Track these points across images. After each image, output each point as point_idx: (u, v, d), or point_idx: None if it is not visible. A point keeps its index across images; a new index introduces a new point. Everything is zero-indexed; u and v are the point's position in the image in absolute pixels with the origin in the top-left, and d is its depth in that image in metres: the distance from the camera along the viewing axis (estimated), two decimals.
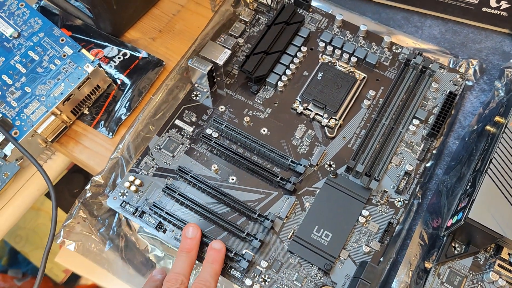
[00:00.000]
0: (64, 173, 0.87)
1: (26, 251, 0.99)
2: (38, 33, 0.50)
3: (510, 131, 0.43)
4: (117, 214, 0.46)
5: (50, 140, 0.49)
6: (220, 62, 0.49)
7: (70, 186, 0.77)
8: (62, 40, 0.50)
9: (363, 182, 0.45)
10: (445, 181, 0.47)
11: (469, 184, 0.44)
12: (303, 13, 0.55)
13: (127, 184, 0.46)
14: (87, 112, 0.51)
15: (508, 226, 0.40)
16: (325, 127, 0.49)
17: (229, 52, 0.49)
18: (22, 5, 0.52)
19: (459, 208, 0.43)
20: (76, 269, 0.70)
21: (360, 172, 0.46)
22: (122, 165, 0.47)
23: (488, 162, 0.42)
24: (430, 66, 0.50)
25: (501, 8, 0.52)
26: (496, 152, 0.43)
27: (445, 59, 0.53)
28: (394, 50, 0.53)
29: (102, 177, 0.46)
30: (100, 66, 0.49)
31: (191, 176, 0.46)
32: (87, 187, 0.46)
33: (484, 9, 0.53)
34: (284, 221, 0.45)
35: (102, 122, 0.51)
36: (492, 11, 0.53)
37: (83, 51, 0.49)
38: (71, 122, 0.50)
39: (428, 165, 0.47)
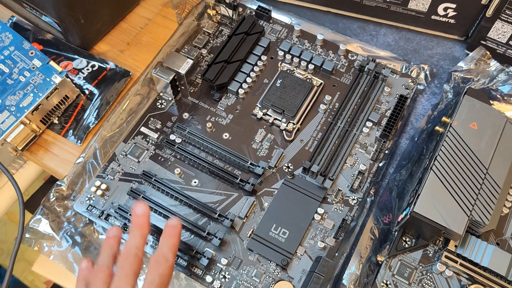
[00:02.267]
0: (41, 183, 0.89)
1: (7, 264, 1.00)
2: (9, 47, 0.53)
3: (454, 130, 0.46)
4: (83, 218, 0.48)
5: (20, 148, 0.51)
6: (183, 71, 0.51)
7: None
8: (32, 53, 0.52)
9: (318, 181, 0.48)
10: (396, 179, 0.49)
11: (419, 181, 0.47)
12: (263, 24, 0.58)
13: (93, 188, 0.48)
14: (57, 122, 0.53)
15: (451, 219, 0.42)
16: (284, 131, 0.52)
17: (191, 62, 0.52)
18: None
19: (408, 204, 0.46)
20: (53, 277, 0.71)
21: (316, 172, 0.48)
22: (90, 171, 0.49)
23: (433, 159, 0.45)
24: (382, 72, 0.53)
25: (448, 15, 0.55)
26: (440, 149, 0.45)
27: (398, 65, 0.56)
28: (349, 58, 0.56)
29: (67, 181, 0.48)
30: (68, 77, 0.51)
31: (155, 179, 0.48)
32: (51, 191, 0.48)
33: (433, 17, 0.56)
34: (244, 220, 0.47)
35: (71, 130, 0.53)
36: (441, 18, 0.56)
37: (51, 63, 0.51)
38: (40, 131, 0.52)
39: (381, 164, 0.50)
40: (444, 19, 0.56)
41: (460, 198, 0.43)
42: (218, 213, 0.46)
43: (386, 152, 0.51)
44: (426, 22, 0.57)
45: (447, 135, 0.46)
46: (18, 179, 0.50)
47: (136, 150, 0.51)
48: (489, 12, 0.52)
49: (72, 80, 0.54)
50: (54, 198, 0.47)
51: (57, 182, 0.48)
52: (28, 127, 0.50)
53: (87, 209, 0.48)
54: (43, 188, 0.88)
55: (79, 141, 0.52)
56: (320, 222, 0.47)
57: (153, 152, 0.51)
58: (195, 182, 0.49)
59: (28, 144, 0.52)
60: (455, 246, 0.45)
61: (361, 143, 0.51)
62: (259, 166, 0.48)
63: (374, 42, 0.58)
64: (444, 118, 0.49)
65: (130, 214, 0.46)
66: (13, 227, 1.01)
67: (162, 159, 0.50)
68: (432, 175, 0.44)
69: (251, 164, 0.49)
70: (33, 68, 0.51)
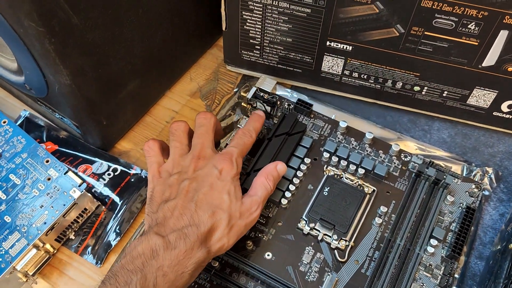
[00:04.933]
0: None
1: None
2: (21, 153, 0.47)
3: None
4: None
5: (31, 273, 0.44)
6: None
7: None
8: (47, 162, 0.46)
9: None
10: None
11: None
12: (304, 120, 0.52)
13: None
14: (73, 237, 0.46)
15: None
16: (335, 250, 0.45)
17: None
18: (4, 122, 0.48)
19: None
20: None
21: None
22: None
23: None
24: (444, 177, 0.47)
25: None
26: None
27: (457, 166, 0.50)
28: (403, 158, 0.50)
29: None
30: (87, 188, 0.45)
31: None
32: None
33: (495, 113, 0.50)
34: None
35: (90, 248, 0.46)
36: (504, 115, 0.50)
37: (70, 174, 0.45)
38: (55, 251, 0.46)
39: None
40: (507, 116, 0.50)
41: None
42: None
43: (456, 276, 0.44)
44: (486, 118, 0.51)
45: None
46: None
47: None
48: None
49: (91, 188, 0.48)
50: None
51: None
52: (42, 250, 0.44)
53: None
54: None
55: (99, 262, 0.45)
56: None
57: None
58: None
59: (40, 268, 0.45)
60: None
61: (425, 264, 0.44)
62: None
63: (427, 138, 0.52)
64: None
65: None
66: None
67: (196, 286, 0.43)
68: None
69: None
70: (49, 179, 0.45)
